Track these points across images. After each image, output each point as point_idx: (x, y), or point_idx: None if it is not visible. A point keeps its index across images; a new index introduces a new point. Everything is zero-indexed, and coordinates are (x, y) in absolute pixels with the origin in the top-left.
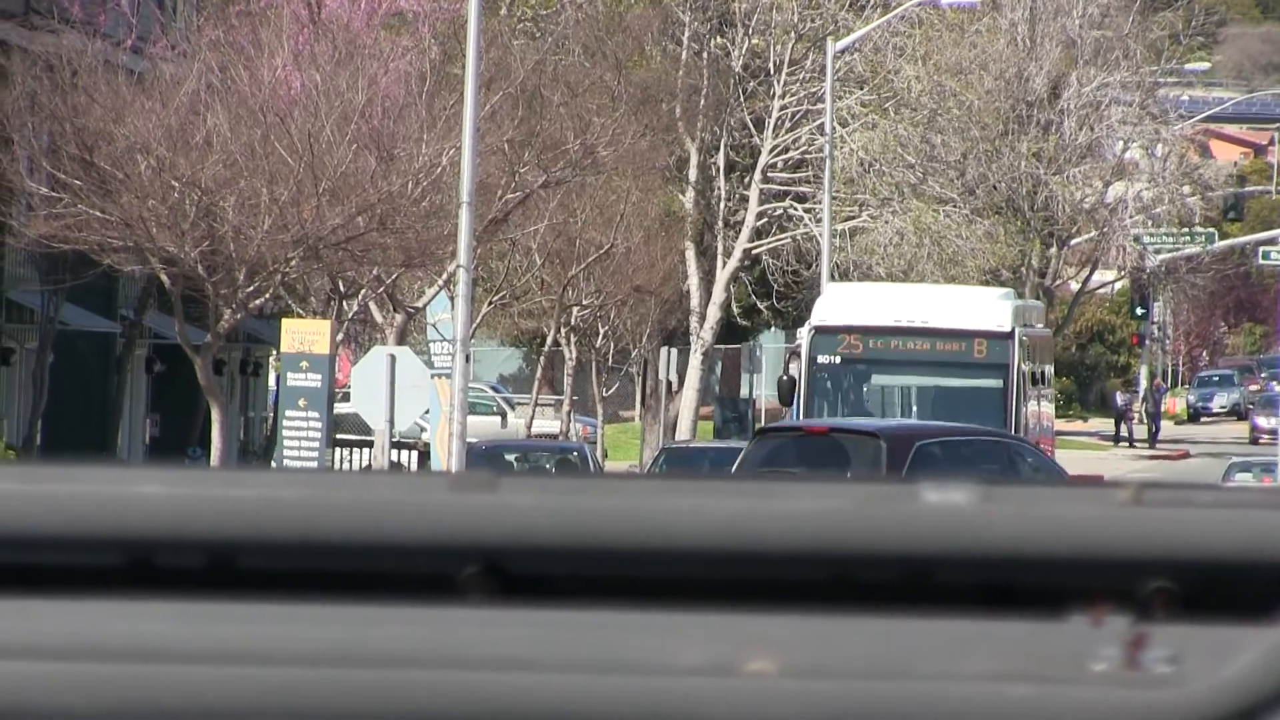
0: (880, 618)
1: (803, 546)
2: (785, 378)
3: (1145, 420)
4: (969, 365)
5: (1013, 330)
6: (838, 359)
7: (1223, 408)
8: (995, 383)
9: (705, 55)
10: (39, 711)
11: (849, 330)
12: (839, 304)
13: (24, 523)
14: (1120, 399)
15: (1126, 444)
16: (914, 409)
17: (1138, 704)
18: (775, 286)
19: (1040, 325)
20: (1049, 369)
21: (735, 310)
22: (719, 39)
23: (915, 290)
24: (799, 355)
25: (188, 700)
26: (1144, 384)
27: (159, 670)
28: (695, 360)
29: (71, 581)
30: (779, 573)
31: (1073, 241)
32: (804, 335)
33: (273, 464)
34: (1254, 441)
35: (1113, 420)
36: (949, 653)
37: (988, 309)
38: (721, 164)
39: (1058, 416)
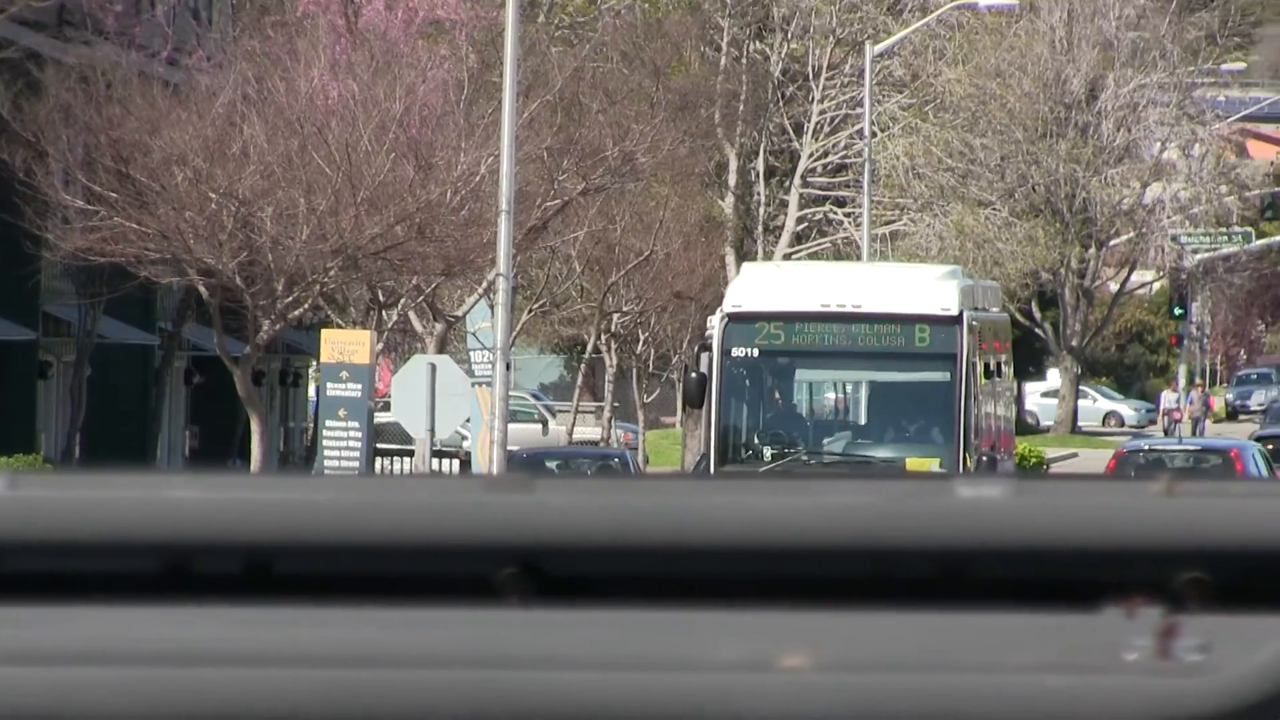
0: (916, 612)
1: (839, 542)
2: (694, 374)
3: (1191, 421)
4: (910, 356)
5: (960, 314)
6: (755, 351)
7: (1260, 405)
8: (941, 376)
9: (744, 60)
10: (80, 716)
11: (768, 317)
12: (757, 286)
13: (62, 530)
14: (1167, 399)
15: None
16: (847, 408)
17: (1170, 692)
18: None
19: (996, 309)
20: (1006, 359)
21: None
22: (757, 44)
23: (846, 270)
24: (710, 348)
25: (226, 704)
26: (1183, 383)
27: (197, 674)
28: None
29: (110, 587)
30: (815, 569)
31: (1111, 242)
32: (715, 323)
33: (313, 474)
34: None
35: (1160, 419)
36: (985, 646)
37: (930, 290)
38: (761, 169)
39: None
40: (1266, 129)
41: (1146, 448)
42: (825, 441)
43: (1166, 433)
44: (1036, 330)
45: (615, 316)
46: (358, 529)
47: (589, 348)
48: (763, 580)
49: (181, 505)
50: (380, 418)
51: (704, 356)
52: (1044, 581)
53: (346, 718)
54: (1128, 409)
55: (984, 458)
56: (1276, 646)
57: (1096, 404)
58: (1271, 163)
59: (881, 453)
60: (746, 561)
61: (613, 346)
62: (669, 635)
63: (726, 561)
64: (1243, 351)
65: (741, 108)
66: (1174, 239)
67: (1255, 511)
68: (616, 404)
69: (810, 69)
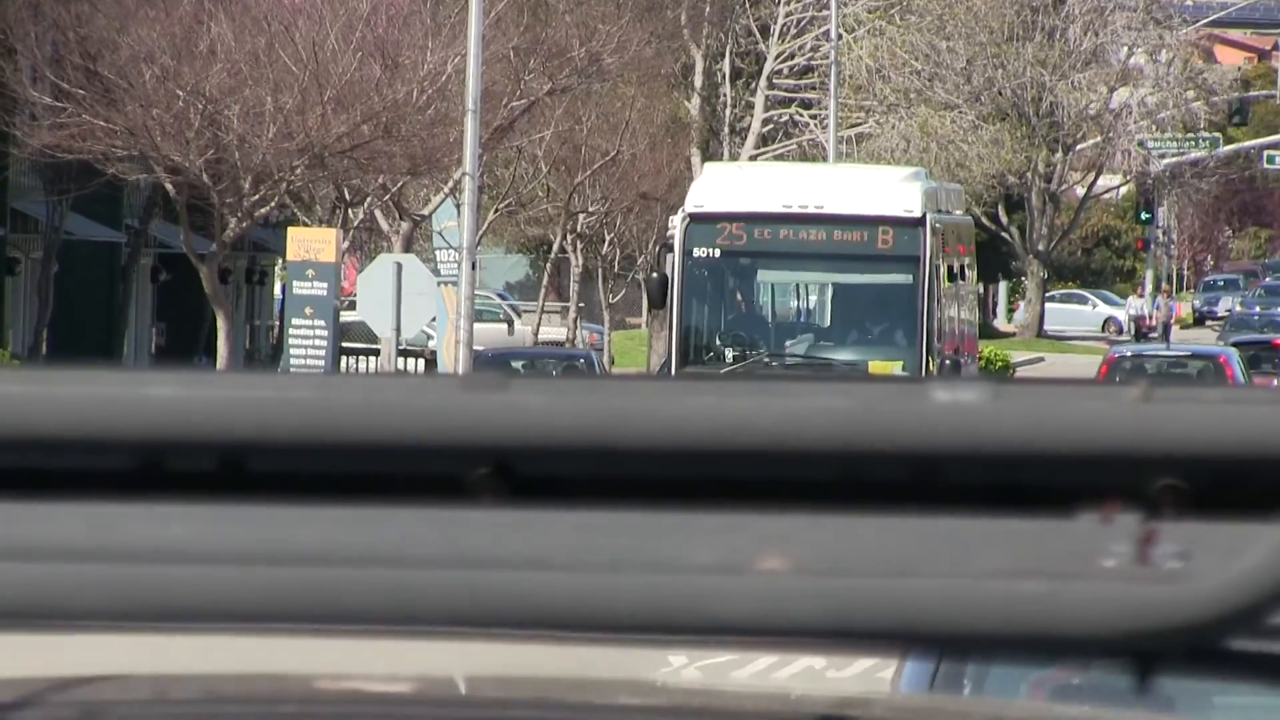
0: (890, 516)
1: (813, 445)
2: (656, 274)
3: (1158, 326)
4: (872, 258)
5: (923, 215)
6: (717, 252)
7: (1228, 311)
8: (904, 278)
9: None
10: (55, 610)
11: (730, 218)
12: (719, 187)
13: (36, 426)
14: (1133, 305)
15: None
16: (809, 310)
17: (1147, 598)
18: None
19: (959, 211)
20: (969, 262)
21: None
22: None
23: (809, 171)
24: (672, 248)
25: (199, 599)
26: (1149, 289)
27: (169, 571)
28: None
29: (84, 484)
30: (790, 472)
31: (1078, 147)
32: (677, 223)
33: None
34: None
35: (1131, 326)
36: (959, 550)
37: (893, 191)
38: (727, 70)
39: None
40: (1234, 34)
41: (1131, 354)
42: (787, 344)
43: (1137, 338)
44: (1003, 234)
45: (581, 217)
46: (334, 427)
47: (555, 248)
48: (739, 483)
49: (157, 402)
50: (346, 316)
51: (667, 257)
52: (1020, 487)
53: (319, 615)
54: (1126, 316)
55: (947, 361)
56: (1256, 554)
57: (1096, 309)
58: (1239, 68)
59: (844, 355)
60: (722, 464)
61: (578, 247)
62: (644, 537)
63: (702, 464)
64: (1210, 257)
65: (708, 9)
66: (1140, 144)
67: (1233, 418)
68: (582, 304)
69: None
